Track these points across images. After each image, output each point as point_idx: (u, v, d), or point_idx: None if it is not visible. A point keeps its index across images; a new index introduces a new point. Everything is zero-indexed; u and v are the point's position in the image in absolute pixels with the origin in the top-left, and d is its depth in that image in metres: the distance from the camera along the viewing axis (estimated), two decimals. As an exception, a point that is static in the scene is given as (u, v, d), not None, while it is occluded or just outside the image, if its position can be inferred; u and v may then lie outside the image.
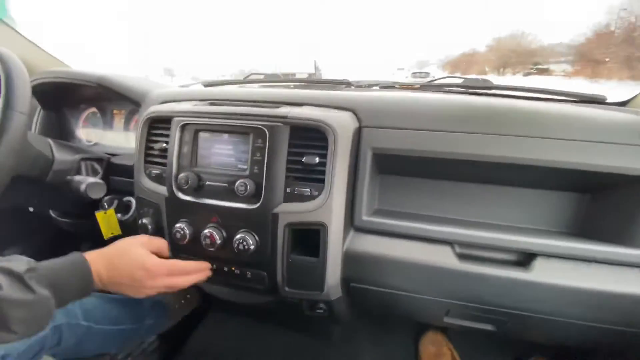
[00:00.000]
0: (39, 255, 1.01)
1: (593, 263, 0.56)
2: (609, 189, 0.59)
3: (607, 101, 0.83)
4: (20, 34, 1.02)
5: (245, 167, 0.63)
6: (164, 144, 0.70)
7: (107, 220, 0.81)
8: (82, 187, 0.70)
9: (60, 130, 1.04)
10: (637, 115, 0.64)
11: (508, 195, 0.65)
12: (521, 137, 0.58)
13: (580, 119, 0.59)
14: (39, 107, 1.00)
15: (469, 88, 0.94)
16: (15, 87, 0.60)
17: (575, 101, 0.83)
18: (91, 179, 0.72)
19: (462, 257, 0.61)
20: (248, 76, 1.26)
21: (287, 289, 0.65)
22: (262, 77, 1.25)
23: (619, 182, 0.57)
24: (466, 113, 0.63)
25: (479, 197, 0.67)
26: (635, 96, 0.79)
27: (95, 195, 0.72)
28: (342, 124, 0.62)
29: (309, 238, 0.62)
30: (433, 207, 0.68)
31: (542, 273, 0.57)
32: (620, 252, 0.55)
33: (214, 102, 0.74)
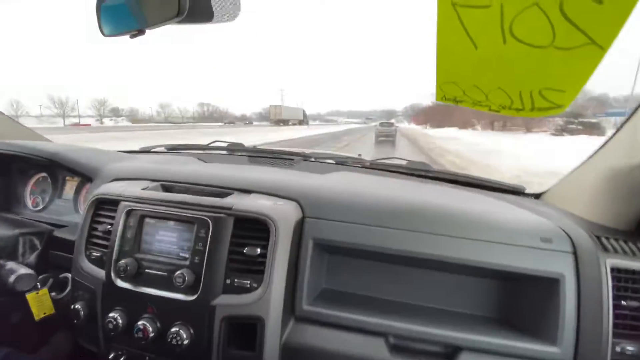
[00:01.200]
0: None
1: (510, 358, 0.60)
2: (522, 283, 0.66)
3: (525, 192, 0.95)
4: None
5: (186, 256, 0.64)
6: (109, 226, 0.70)
7: (38, 300, 0.76)
8: (11, 279, 0.67)
9: (5, 195, 1.00)
10: (544, 213, 0.74)
11: (442, 280, 0.70)
12: (437, 236, 0.65)
13: (490, 220, 0.67)
14: None
15: (410, 170, 1.04)
16: None
17: (496, 189, 0.94)
18: (22, 270, 0.69)
19: (394, 349, 0.63)
20: (211, 143, 1.31)
21: None
22: (224, 144, 1.31)
23: (527, 279, 0.64)
24: (397, 210, 0.70)
25: (417, 280, 0.71)
26: (549, 189, 0.91)
27: (23, 287, 0.69)
28: (284, 216, 0.66)
29: (247, 330, 0.63)
30: (375, 288, 0.72)
31: None
32: (533, 348, 0.60)
33: (164, 184, 0.77)
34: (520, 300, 0.66)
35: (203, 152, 1.24)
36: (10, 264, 0.70)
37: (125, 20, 0.56)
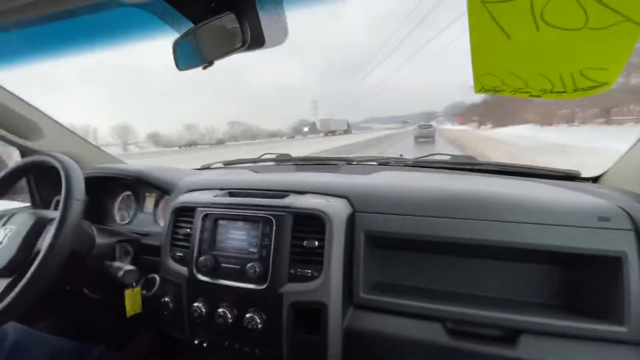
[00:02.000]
0: (65, 330, 1.10)
1: (575, 339, 0.60)
2: (582, 266, 0.65)
3: (581, 176, 0.92)
4: (71, 131, 1.24)
5: (255, 250, 0.73)
6: (188, 230, 0.82)
7: (132, 298, 0.90)
8: (120, 273, 0.81)
9: (99, 212, 1.19)
10: (602, 194, 0.72)
11: (497, 268, 0.71)
12: (491, 222, 0.66)
13: (543, 203, 0.68)
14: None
15: (455, 164, 1.05)
16: (74, 181, 0.75)
17: (550, 176, 0.92)
18: (127, 267, 0.83)
19: (452, 333, 0.65)
20: (262, 156, 1.44)
21: None
22: (273, 156, 1.43)
23: (587, 261, 0.63)
24: (444, 199, 0.73)
25: (471, 270, 0.73)
26: (606, 171, 0.87)
27: (129, 281, 0.83)
28: (336, 211, 0.72)
29: (312, 317, 0.69)
30: (429, 279, 0.75)
31: (527, 350, 0.60)
32: (599, 328, 0.59)
33: (231, 191, 0.88)
34: (581, 283, 0.65)
35: (254, 164, 1.37)
36: (117, 263, 0.85)
37: (197, 55, 0.68)
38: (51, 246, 0.67)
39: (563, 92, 0.58)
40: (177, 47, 0.71)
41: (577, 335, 0.60)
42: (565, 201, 0.69)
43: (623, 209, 0.63)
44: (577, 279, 0.66)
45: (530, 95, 0.63)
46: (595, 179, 0.89)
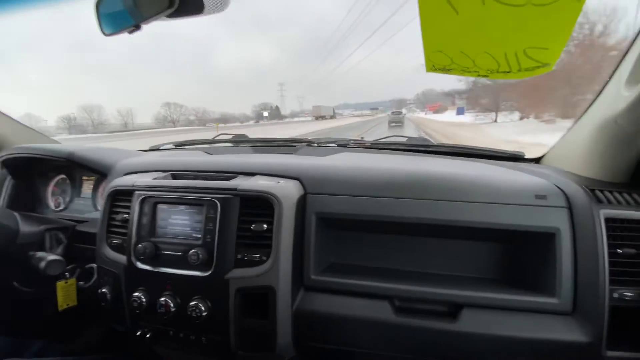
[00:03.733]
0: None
1: (512, 312, 0.63)
2: (520, 242, 0.68)
3: (525, 157, 0.96)
4: None
5: (199, 235, 0.69)
6: (126, 215, 0.75)
7: (66, 290, 0.82)
8: (42, 264, 0.73)
9: (28, 197, 1.07)
10: (542, 174, 0.75)
11: (443, 246, 0.73)
12: (438, 201, 0.67)
13: (486, 183, 0.69)
14: (8, 177, 1.04)
15: (411, 146, 1.06)
16: None
17: (497, 157, 0.95)
18: (51, 257, 0.75)
19: (399, 310, 0.67)
20: (216, 136, 1.36)
21: (240, 352, 0.68)
22: (229, 137, 1.35)
23: (525, 237, 0.66)
24: (394, 180, 0.72)
25: (419, 249, 0.74)
26: (547, 152, 0.92)
27: (53, 272, 0.75)
28: (286, 193, 0.69)
29: (259, 301, 0.67)
30: (379, 259, 0.75)
31: (467, 323, 0.63)
32: (533, 300, 0.62)
33: (174, 173, 0.81)
34: (518, 259, 0.69)
35: (209, 145, 1.29)
36: (40, 253, 0.76)
37: (121, 18, 0.60)
38: None
39: (508, 71, 0.59)
40: (99, 8, 0.62)
41: (514, 307, 0.63)
42: (507, 181, 0.71)
43: (559, 187, 0.66)
44: (516, 255, 0.69)
45: (479, 75, 0.63)
46: (537, 160, 0.93)
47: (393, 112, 26.35)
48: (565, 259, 0.62)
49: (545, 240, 0.64)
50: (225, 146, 1.29)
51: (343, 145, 1.13)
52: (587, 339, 0.59)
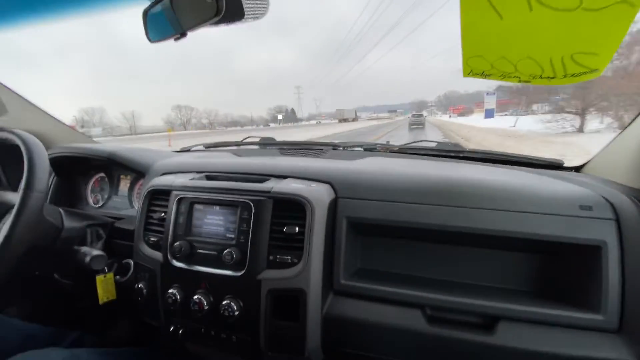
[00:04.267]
0: (36, 314, 1.06)
1: (552, 327, 0.60)
2: (562, 254, 0.65)
3: (564, 165, 0.92)
4: (38, 108, 1.16)
5: (232, 236, 0.70)
6: (163, 214, 0.78)
7: (105, 284, 0.86)
8: (87, 259, 0.77)
9: (70, 194, 1.13)
10: (584, 183, 0.72)
11: (478, 256, 0.71)
12: (473, 209, 0.66)
13: (525, 191, 0.67)
14: (53, 174, 1.11)
15: (441, 152, 1.04)
16: (36, 169, 0.69)
17: (533, 165, 0.91)
18: (95, 252, 0.79)
19: (431, 320, 0.65)
20: (245, 139, 1.39)
21: (270, 353, 0.69)
22: (257, 139, 1.38)
23: (567, 249, 0.63)
24: (428, 186, 0.71)
25: (452, 257, 0.72)
26: (589, 160, 0.88)
27: (97, 266, 0.79)
28: (318, 197, 0.70)
29: (290, 303, 0.67)
30: (410, 266, 0.74)
31: (504, 336, 0.60)
32: (576, 316, 0.59)
33: (209, 174, 0.84)
34: (560, 272, 0.65)
35: (237, 147, 1.32)
36: (84, 248, 0.80)
37: (168, 25, 0.62)
38: (6, 241, 0.62)
39: (552, 77, 0.57)
40: (147, 16, 0.65)
41: (554, 322, 0.60)
42: (548, 189, 0.68)
43: (605, 198, 0.63)
44: (557, 267, 0.66)
45: (519, 80, 0.61)
46: (578, 169, 0.89)
47: (413, 115, 26.94)
48: (612, 274, 0.59)
49: (590, 253, 0.61)
50: (252, 148, 1.32)
51: (370, 149, 1.13)
52: (633, 359, 0.55)
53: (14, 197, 0.76)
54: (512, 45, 0.54)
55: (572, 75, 0.54)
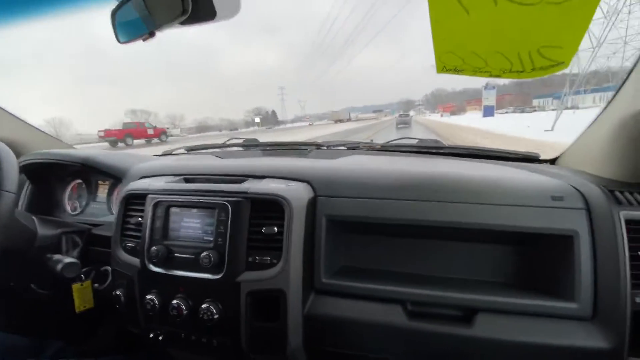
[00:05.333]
0: (15, 326, 1.02)
1: (529, 316, 0.61)
2: (536, 245, 0.66)
3: (540, 158, 0.94)
4: (10, 113, 1.13)
5: (210, 239, 0.69)
6: (139, 219, 0.76)
7: (82, 292, 0.84)
8: (58, 267, 0.75)
9: (46, 202, 1.10)
10: (558, 175, 0.73)
11: (457, 249, 0.72)
12: (449, 203, 0.66)
13: (500, 184, 0.68)
14: (27, 182, 1.07)
15: (422, 148, 1.05)
16: (4, 170, 0.67)
17: (511, 159, 0.93)
18: (67, 259, 0.77)
19: (411, 315, 0.65)
20: (227, 141, 1.38)
21: (251, 355, 0.68)
22: (240, 141, 1.37)
23: (541, 240, 0.64)
24: (405, 182, 0.72)
25: (431, 252, 0.73)
26: (563, 153, 0.90)
27: (70, 274, 0.77)
28: (296, 196, 0.69)
29: (270, 304, 0.67)
30: (390, 262, 0.74)
31: (483, 328, 0.61)
32: (551, 305, 0.61)
33: (186, 177, 0.82)
34: (535, 262, 0.67)
35: (220, 150, 1.31)
36: (57, 256, 0.78)
37: (136, 26, 0.61)
38: None
39: (522, 71, 0.58)
40: (115, 17, 0.64)
41: (531, 312, 0.61)
42: (522, 182, 0.69)
43: (576, 189, 0.65)
44: (532, 258, 0.67)
45: (491, 75, 0.62)
46: (552, 161, 0.91)
47: (400, 115, 29.34)
48: (585, 263, 0.60)
49: (562, 243, 0.62)
50: (236, 150, 1.31)
51: (353, 147, 1.13)
52: (608, 345, 0.57)
53: None
54: (481, 40, 0.55)
55: (540, 69, 0.56)
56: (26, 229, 0.77)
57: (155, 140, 20.80)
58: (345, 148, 1.15)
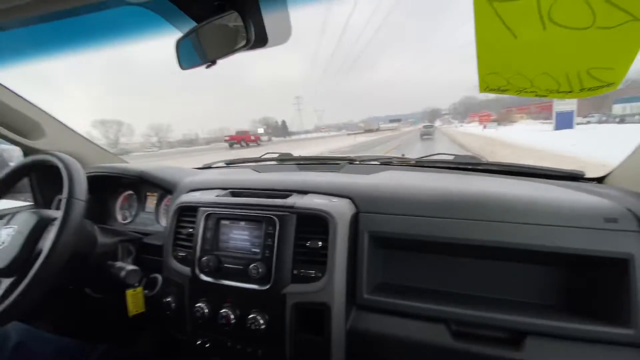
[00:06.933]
0: (68, 329, 1.10)
1: (581, 342, 0.59)
2: (588, 268, 0.64)
3: (585, 176, 0.91)
4: (72, 129, 1.24)
5: (258, 250, 0.73)
6: (191, 229, 0.82)
7: (134, 297, 0.90)
8: (122, 273, 0.81)
9: (100, 211, 1.19)
10: (607, 195, 0.71)
11: (502, 269, 0.71)
12: (495, 222, 0.66)
13: (546, 204, 0.67)
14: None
15: (459, 164, 1.05)
16: (76, 181, 0.75)
17: (554, 177, 0.91)
18: (130, 267, 0.83)
19: (456, 335, 0.65)
20: (263, 155, 1.43)
21: None
22: (275, 155, 1.42)
23: (593, 263, 0.62)
24: (449, 200, 0.72)
25: (475, 271, 0.72)
26: (611, 171, 0.87)
27: (132, 281, 0.83)
28: (340, 211, 0.72)
29: (315, 318, 0.69)
30: (433, 280, 0.74)
31: (532, 352, 0.60)
32: (605, 330, 0.58)
33: (233, 191, 0.87)
34: (587, 286, 0.65)
35: (256, 163, 1.36)
36: (119, 263, 0.84)
37: (200, 54, 0.67)
38: (53, 246, 0.67)
39: (569, 91, 0.58)
40: (179, 46, 0.70)
41: (583, 337, 0.59)
42: (570, 202, 0.68)
43: (630, 210, 0.63)
44: (584, 281, 0.65)
45: (536, 95, 0.62)
46: (599, 180, 0.88)
47: (425, 126, 29.93)
48: None
49: (617, 266, 0.60)
50: (271, 164, 1.36)
51: (386, 163, 1.15)
52: None
53: (53, 213, 0.81)
54: (528, 63, 0.56)
55: (589, 90, 0.55)
56: (91, 235, 0.84)
57: (252, 144, 29.71)
58: (379, 163, 1.16)
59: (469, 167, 1.02)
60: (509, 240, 0.65)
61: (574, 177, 0.91)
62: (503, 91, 0.63)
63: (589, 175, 0.92)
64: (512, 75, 0.59)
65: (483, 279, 0.71)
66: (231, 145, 27.81)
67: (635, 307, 0.57)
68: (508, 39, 0.53)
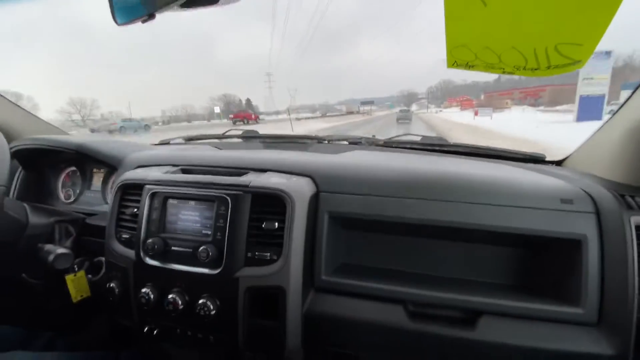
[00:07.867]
0: (5, 316, 1.00)
1: (533, 321, 0.60)
2: (543, 248, 0.65)
3: (546, 159, 0.92)
4: (5, 98, 1.09)
5: (209, 232, 0.67)
6: (135, 209, 0.74)
7: (76, 282, 0.82)
8: (50, 258, 0.73)
9: (39, 189, 1.07)
10: (565, 177, 0.72)
11: (460, 250, 0.70)
12: (455, 203, 0.65)
13: (507, 185, 0.66)
14: (19, 168, 1.04)
15: (426, 145, 1.03)
16: None
17: (516, 159, 0.92)
18: (60, 250, 0.74)
19: (413, 315, 0.64)
20: (226, 132, 1.35)
21: (248, 352, 0.67)
22: (239, 132, 1.34)
23: (548, 243, 0.63)
24: (410, 180, 0.70)
25: (435, 252, 0.72)
26: (570, 154, 0.88)
27: (62, 265, 0.74)
28: (299, 191, 0.67)
29: (269, 301, 0.65)
30: (392, 261, 0.73)
31: (486, 331, 0.60)
32: (556, 309, 0.59)
33: (184, 168, 0.80)
34: (541, 265, 0.66)
35: (219, 141, 1.28)
36: (48, 246, 0.75)
37: (135, 7, 0.58)
38: None
39: (536, 68, 0.56)
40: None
41: (535, 316, 0.60)
42: (530, 183, 0.68)
43: (586, 192, 0.63)
44: (538, 261, 0.66)
45: (504, 72, 0.60)
46: (559, 162, 0.90)
47: (401, 110, 31.08)
48: (592, 268, 0.59)
49: (570, 247, 0.61)
50: (235, 141, 1.28)
51: (355, 143, 1.11)
52: (613, 352, 0.56)
53: None
54: (496, 35, 0.53)
55: (555, 67, 0.54)
56: (15, 220, 0.74)
57: (252, 122, 30.34)
58: (347, 143, 1.12)
59: (436, 148, 1.01)
60: (469, 220, 0.64)
61: (535, 159, 0.92)
62: (471, 67, 0.60)
63: (549, 158, 0.93)
64: (481, 49, 0.56)
65: (442, 259, 0.71)
66: (234, 123, 29.64)
67: (585, 286, 0.59)
68: (477, 7, 0.49)
